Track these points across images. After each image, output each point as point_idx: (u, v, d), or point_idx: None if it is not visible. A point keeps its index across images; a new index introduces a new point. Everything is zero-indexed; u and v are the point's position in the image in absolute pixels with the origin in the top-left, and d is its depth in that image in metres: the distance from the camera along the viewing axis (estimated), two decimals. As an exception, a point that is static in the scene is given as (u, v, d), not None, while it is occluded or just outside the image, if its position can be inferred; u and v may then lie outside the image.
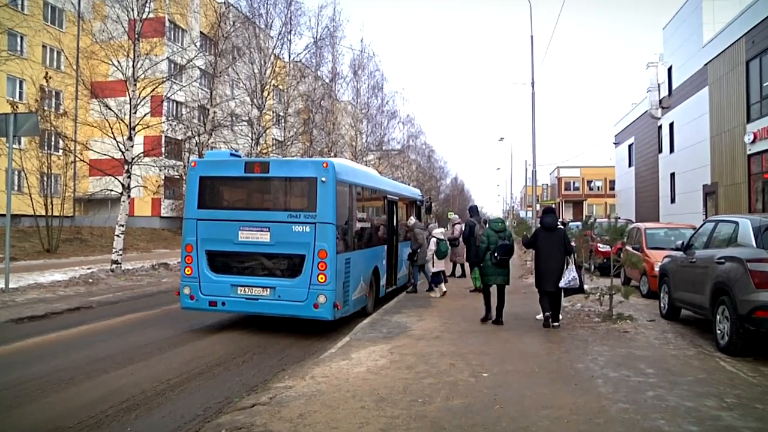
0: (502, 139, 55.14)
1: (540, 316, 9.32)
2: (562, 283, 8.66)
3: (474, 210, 14.64)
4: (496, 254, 9.01)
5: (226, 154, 9.36)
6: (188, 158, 22.74)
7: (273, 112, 28.68)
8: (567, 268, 8.69)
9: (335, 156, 28.68)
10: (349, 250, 9.06)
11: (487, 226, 9.58)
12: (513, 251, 9.13)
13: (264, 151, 24.89)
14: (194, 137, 23.29)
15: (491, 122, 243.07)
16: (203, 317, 9.83)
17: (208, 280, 8.60)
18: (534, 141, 22.24)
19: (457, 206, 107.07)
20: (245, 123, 23.62)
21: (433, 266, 12.74)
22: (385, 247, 11.72)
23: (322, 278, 8.17)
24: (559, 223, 9.06)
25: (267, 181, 8.75)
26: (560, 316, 9.12)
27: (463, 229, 13.76)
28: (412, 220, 11.90)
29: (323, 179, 8.25)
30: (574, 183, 68.85)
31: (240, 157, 9.73)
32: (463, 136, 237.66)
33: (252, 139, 23.22)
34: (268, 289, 8.40)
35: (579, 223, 18.91)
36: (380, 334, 8.35)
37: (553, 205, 66.04)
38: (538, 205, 24.48)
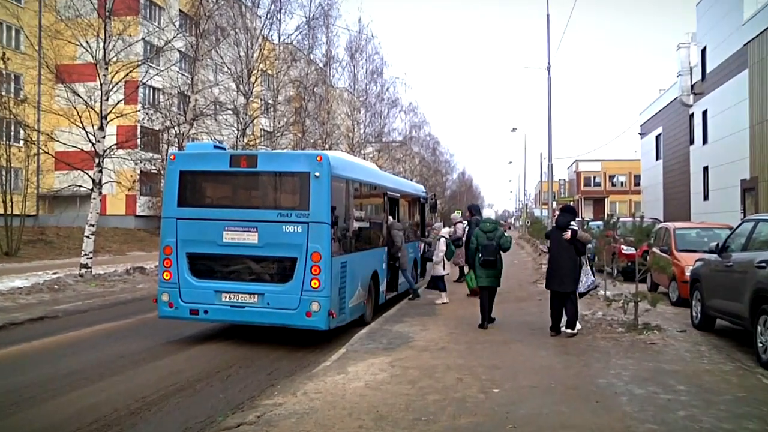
0: (514, 129, 55.18)
1: (567, 326, 9.21)
2: (581, 288, 9.06)
3: (476, 209, 14.64)
4: (481, 255, 9.64)
5: (210, 146, 9.38)
6: (167, 151, 22.77)
7: (261, 99, 28.70)
8: (583, 270, 9.05)
9: (330, 148, 28.70)
10: (346, 253, 9.08)
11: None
12: (499, 253, 9.75)
13: (251, 143, 24.90)
14: (173, 127, 23.30)
15: (502, 112, 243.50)
16: (183, 327, 9.84)
17: (189, 286, 8.62)
18: (550, 131, 22.29)
19: (465, 204, 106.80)
20: (230, 112, 23.63)
21: (443, 269, 12.75)
22: (386, 249, 11.75)
23: (315, 284, 8.18)
24: (574, 223, 9.24)
25: (254, 177, 8.76)
26: (578, 325, 9.27)
27: (466, 228, 13.79)
28: (390, 219, 11.95)
29: (317, 174, 8.26)
30: (594, 178, 68.90)
31: (224, 149, 9.73)
32: (471, 126, 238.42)
33: (238, 130, 23.23)
34: (256, 296, 8.42)
35: (600, 222, 18.92)
36: (380, 345, 8.38)
37: (572, 203, 66.07)
38: (554, 203, 24.55)
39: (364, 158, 32.33)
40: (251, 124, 24.66)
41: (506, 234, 10.21)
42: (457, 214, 15.13)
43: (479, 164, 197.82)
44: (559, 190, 72.20)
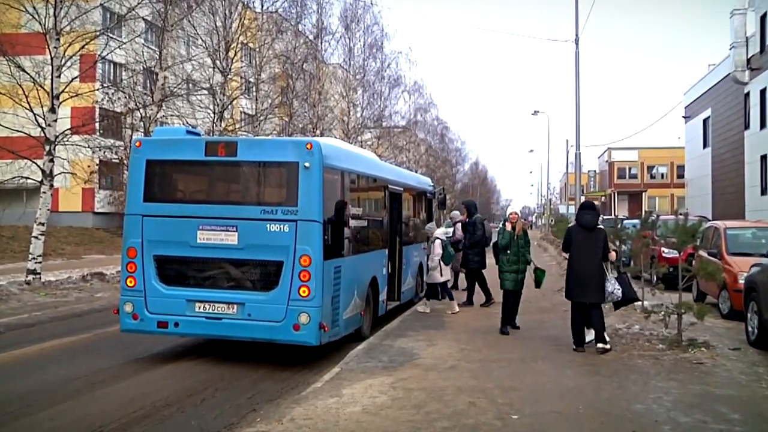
0: (536, 113, 55.20)
1: (596, 341, 9.33)
2: (609, 299, 9.28)
3: (473, 206, 14.64)
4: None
5: (181, 132, 9.41)
6: (131, 137, 22.81)
7: (241, 77, 28.72)
8: (606, 278, 9.23)
9: (322, 135, 28.71)
10: (340, 256, 9.11)
11: (502, 223, 11.03)
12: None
13: (230, 128, 24.90)
14: (138, 109, 23.33)
15: (522, 93, 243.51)
16: (150, 342, 9.84)
17: (157, 295, 8.64)
18: (578, 114, 22.32)
19: (478, 198, 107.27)
20: (205, 92, 23.63)
21: (441, 275, 12.78)
22: (386, 251, 11.79)
23: (304, 291, 8.21)
24: (600, 221, 9.40)
25: (234, 167, 8.80)
26: (606, 338, 9.37)
27: (478, 227, 13.75)
28: (431, 224, 12.08)
29: (306, 164, 8.29)
30: (630, 169, 68.87)
31: (199, 135, 9.74)
32: (485, 109, 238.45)
33: (214, 113, 23.23)
34: (235, 306, 8.44)
35: (636, 220, 18.93)
36: (380, 363, 8.40)
37: (603, 198, 65.69)
38: (582, 197, 24.53)
39: (362, 146, 32.34)
40: (230, 107, 24.65)
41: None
42: (457, 213, 15.07)
43: (495, 153, 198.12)
44: (588, 183, 72.31)
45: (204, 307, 8.53)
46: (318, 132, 29.73)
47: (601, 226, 9.64)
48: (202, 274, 8.65)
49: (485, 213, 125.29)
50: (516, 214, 11.34)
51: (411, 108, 47.80)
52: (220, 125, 23.09)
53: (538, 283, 11.20)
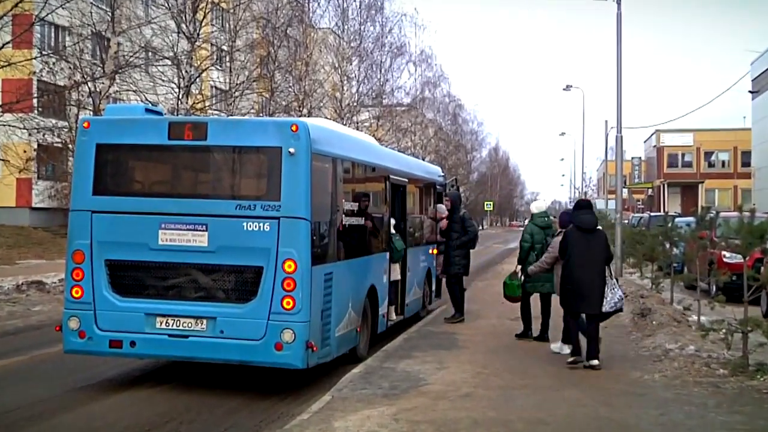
0: (568, 87, 54.90)
1: (556, 347, 10.74)
2: (606, 308, 9.73)
3: (459, 199, 14.50)
4: (537, 255, 11.19)
5: (140, 110, 9.41)
6: (77, 116, 22.78)
7: (213, 45, 28.69)
8: (608, 286, 9.75)
9: (310, 114, 28.72)
10: (332, 261, 9.13)
11: (530, 221, 11.69)
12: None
13: (198, 105, 24.92)
14: (87, 83, 23.30)
15: (551, 64, 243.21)
16: (101, 366, 9.83)
17: (110, 308, 8.64)
18: (619, 89, 22.30)
19: (498, 191, 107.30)
20: (168, 62, 23.63)
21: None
22: (387, 255, 11.82)
23: (288, 303, 8.22)
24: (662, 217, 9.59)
25: (203, 153, 8.82)
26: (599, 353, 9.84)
27: (468, 223, 13.66)
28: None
29: (291, 150, 8.30)
30: (683, 155, 68.92)
31: (161, 114, 9.72)
32: (507, 84, 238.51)
33: (180, 88, 23.25)
34: (205, 321, 8.45)
35: (691, 218, 18.89)
36: (379, 390, 8.41)
37: (650, 190, 65.28)
38: (624, 191, 24.57)
39: (358, 128, 32.34)
40: (198, 80, 24.67)
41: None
42: (442, 207, 14.76)
43: (518, 137, 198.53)
44: (631, 173, 72.28)
45: (167, 322, 8.51)
46: (305, 111, 29.73)
47: (600, 227, 10.24)
48: (164, 282, 8.65)
49: (507, 208, 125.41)
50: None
51: (417, 82, 47.87)
52: (187, 102, 23.11)
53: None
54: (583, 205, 10.51)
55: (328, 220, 9.12)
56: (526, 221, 11.82)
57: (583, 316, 10.02)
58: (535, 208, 12.55)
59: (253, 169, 8.86)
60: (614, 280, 9.96)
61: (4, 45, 17.38)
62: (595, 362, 9.65)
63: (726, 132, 65.20)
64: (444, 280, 14.94)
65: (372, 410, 7.53)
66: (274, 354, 8.23)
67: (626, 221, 31.72)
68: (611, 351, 10.71)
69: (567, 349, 10.38)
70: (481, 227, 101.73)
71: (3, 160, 20.95)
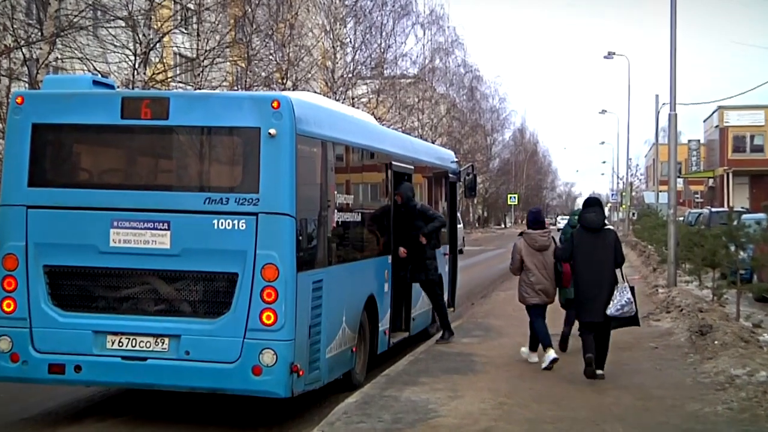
0: (611, 55, 54.81)
1: (525, 352, 11.86)
2: (612, 310, 10.45)
3: (411, 191, 14.13)
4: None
5: (86, 83, 9.40)
6: (9, 90, 22.71)
7: (176, 2, 28.65)
8: (617, 287, 10.52)
9: (295, 88, 28.69)
10: (321, 265, 9.15)
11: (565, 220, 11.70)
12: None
13: (159, 77, 24.87)
14: (20, 48, 23.23)
15: (588, 27, 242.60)
16: (39, 395, 9.78)
17: (50, 324, 8.61)
18: (673, 56, 22.14)
19: (524, 182, 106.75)
20: (122, 23, 23.58)
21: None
22: (389, 259, 11.83)
23: (268, 318, 8.21)
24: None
25: (165, 135, 8.84)
26: (604, 364, 10.76)
27: (427, 210, 13.37)
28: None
29: (272, 131, 8.28)
30: (752, 138, 68.71)
31: (113, 87, 9.71)
32: (535, 51, 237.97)
33: (136, 55, 23.20)
34: (166, 340, 8.43)
35: (762, 215, 18.85)
36: (379, 423, 8.40)
37: (711, 180, 65.16)
38: (679, 181, 24.47)
39: (353, 105, 32.33)
40: (159, 46, 24.62)
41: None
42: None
43: (549, 115, 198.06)
44: (688, 159, 72.36)
45: (120, 342, 8.49)
46: (289, 84, 29.71)
47: (610, 227, 11.07)
48: (117, 293, 8.63)
49: (535, 203, 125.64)
50: None
51: (426, 49, 47.92)
52: (145, 73, 23.06)
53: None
54: (591, 203, 11.24)
55: (317, 217, 9.10)
56: (559, 219, 12.00)
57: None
58: (581, 203, 12.56)
59: (225, 155, 8.84)
60: (626, 283, 10.72)
61: None
62: (600, 372, 10.56)
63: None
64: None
65: (371, 449, 7.53)
66: (252, 380, 8.20)
67: (681, 218, 31.72)
68: (663, 377, 10.70)
69: (535, 357, 11.56)
70: (503, 225, 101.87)
71: None
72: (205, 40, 26.71)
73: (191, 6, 27.51)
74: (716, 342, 12.58)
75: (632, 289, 10.78)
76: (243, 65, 29.64)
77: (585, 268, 10.64)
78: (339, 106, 12.92)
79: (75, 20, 22.39)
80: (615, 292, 10.49)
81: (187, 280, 8.51)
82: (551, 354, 11.22)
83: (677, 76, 22.14)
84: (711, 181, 68.07)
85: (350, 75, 35.70)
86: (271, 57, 30.66)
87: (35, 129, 8.81)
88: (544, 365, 11.18)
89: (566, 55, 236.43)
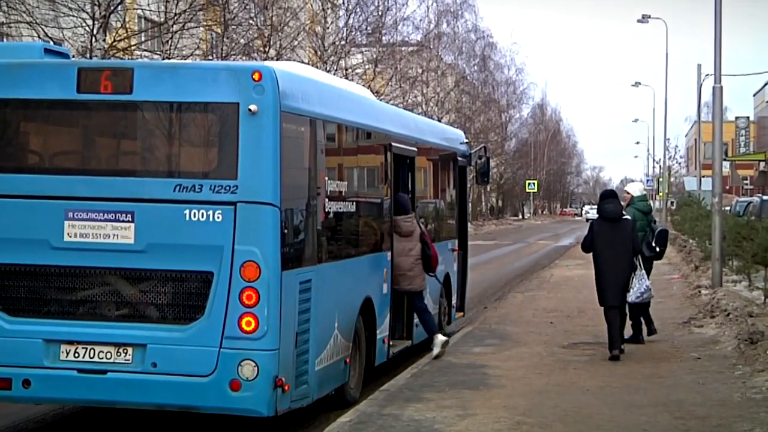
0: (645, 18, 54.71)
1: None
2: (632, 297, 13.03)
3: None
4: (654, 244, 13.99)
5: (36, 51, 9.35)
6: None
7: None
8: (635, 274, 12.98)
9: (279, 58, 28.60)
10: (310, 263, 9.17)
11: (629, 205, 14.26)
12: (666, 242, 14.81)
13: (121, 44, 24.83)
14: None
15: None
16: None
17: (-6, 331, 8.62)
18: (718, 18, 22.09)
19: (545, 166, 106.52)
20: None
21: None
22: (389, 256, 11.86)
23: (248, 324, 8.20)
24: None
25: (128, 112, 8.81)
26: (623, 347, 13.02)
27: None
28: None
29: (252, 108, 8.26)
30: (811, 116, 68.72)
31: (67, 56, 9.69)
32: (557, 13, 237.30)
33: (94, 19, 23.15)
34: (130, 350, 8.43)
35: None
36: (377, 449, 8.41)
37: (763, 164, 65.54)
38: (725, 165, 24.40)
39: (347, 77, 32.29)
40: (121, 8, 24.58)
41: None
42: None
43: (573, 88, 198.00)
44: (736, 140, 72.25)
45: (76, 352, 8.48)
46: (272, 53, 29.68)
47: (628, 217, 13.35)
48: (72, 295, 8.61)
49: (558, 190, 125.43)
50: (629, 193, 14.99)
51: (430, 11, 47.93)
52: (104, 40, 23.03)
53: None
54: (607, 195, 14.05)
55: (305, 207, 9.10)
56: (586, 208, 12.63)
57: None
58: (637, 190, 15.24)
59: (198, 135, 8.80)
60: (643, 271, 13.15)
61: None
62: (616, 352, 12.73)
63: None
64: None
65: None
66: (229, 396, 8.19)
67: (728, 208, 31.73)
68: (706, 393, 10.71)
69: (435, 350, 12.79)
70: (520, 216, 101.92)
71: None
72: (175, 2, 26.64)
73: (158, -39, 27.45)
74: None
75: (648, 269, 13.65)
76: (219, 31, 29.61)
77: (607, 257, 12.99)
78: (330, 79, 12.89)
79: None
80: (633, 280, 12.94)
81: (153, 280, 8.48)
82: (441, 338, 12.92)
83: (722, 42, 22.11)
84: (762, 164, 67.93)
85: (343, 42, 35.68)
86: (251, 21, 30.61)
87: (-22, 106, 8.82)
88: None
89: (593, 18, 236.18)
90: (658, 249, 14.15)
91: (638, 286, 12.92)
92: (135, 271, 8.49)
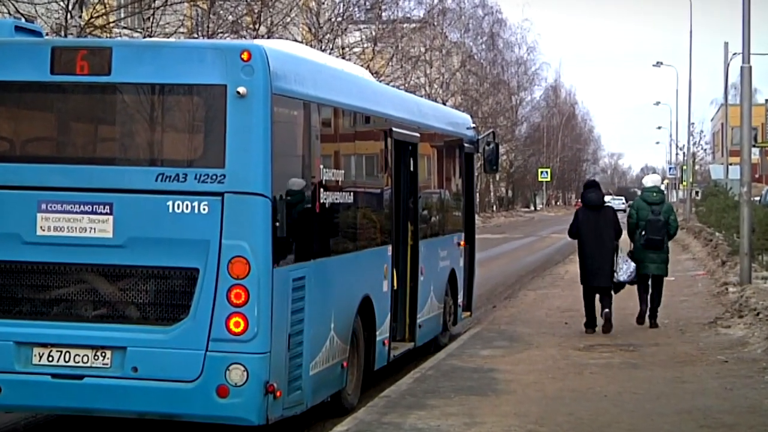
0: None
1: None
2: (623, 277, 15.30)
3: None
4: (644, 233, 15.58)
5: (7, 28, 9.30)
6: None
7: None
8: (618, 256, 15.28)
9: (269, 36, 28.55)
10: (304, 259, 9.18)
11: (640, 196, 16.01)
12: (666, 233, 15.89)
13: (98, 21, 24.83)
14: None
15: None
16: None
17: (-40, 334, 8.62)
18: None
19: (558, 153, 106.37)
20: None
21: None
22: (389, 250, 11.90)
23: (237, 325, 8.21)
24: (617, 202, 12.46)
25: (106, 95, 8.83)
26: (612, 322, 15.33)
27: None
28: None
29: (241, 90, 8.27)
30: None
31: (40, 35, 9.70)
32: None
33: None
34: (108, 353, 8.43)
35: None
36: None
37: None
38: (754, 151, 24.40)
39: (344, 57, 32.25)
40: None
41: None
42: None
43: (590, 68, 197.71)
44: (765, 124, 72.08)
45: (50, 355, 8.48)
46: (263, 31, 29.67)
47: (610, 204, 15.57)
48: (46, 294, 8.63)
49: (573, 179, 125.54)
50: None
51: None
52: (80, 17, 23.02)
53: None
54: (590, 185, 16.77)
55: (299, 198, 9.09)
56: (611, 199, 12.71)
57: None
58: (649, 181, 17.00)
59: (182, 120, 8.81)
60: (624, 253, 15.56)
61: None
62: (590, 331, 15.34)
63: None
64: None
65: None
66: (216, 403, 8.20)
67: (757, 198, 31.72)
68: (734, 399, 10.73)
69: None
70: (532, 207, 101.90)
71: None
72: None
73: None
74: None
75: (632, 254, 15.75)
76: (204, 7, 29.59)
77: (589, 241, 15.47)
78: (326, 58, 12.87)
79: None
80: (620, 262, 15.39)
81: (134, 277, 8.48)
82: None
83: (751, 18, 22.07)
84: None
85: (339, 19, 35.64)
86: (239, -2, 30.59)
87: (-59, 88, 8.82)
88: None
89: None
90: (646, 237, 15.55)
91: (626, 267, 15.35)
92: (114, 268, 8.49)
